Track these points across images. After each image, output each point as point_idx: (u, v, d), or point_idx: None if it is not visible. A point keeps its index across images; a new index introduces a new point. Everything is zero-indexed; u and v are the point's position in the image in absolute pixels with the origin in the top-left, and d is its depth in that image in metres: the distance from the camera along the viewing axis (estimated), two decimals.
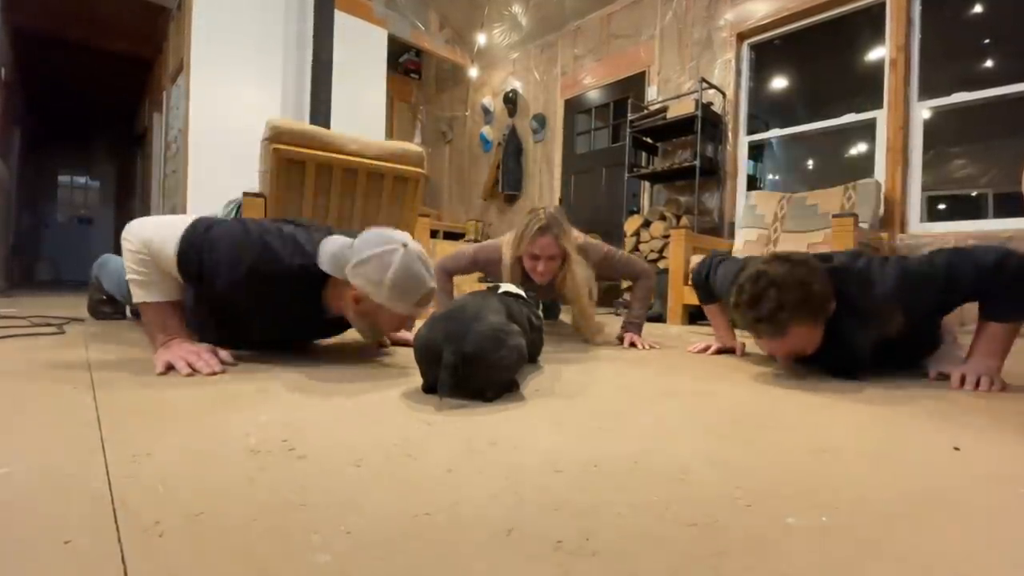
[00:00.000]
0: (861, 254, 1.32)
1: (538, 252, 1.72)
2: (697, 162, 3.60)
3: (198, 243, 1.09)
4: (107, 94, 6.75)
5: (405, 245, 1.11)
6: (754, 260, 1.31)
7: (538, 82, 5.37)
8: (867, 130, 3.29)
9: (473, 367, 0.87)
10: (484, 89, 5.97)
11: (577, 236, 1.84)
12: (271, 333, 1.32)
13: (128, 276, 1.12)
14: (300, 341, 1.47)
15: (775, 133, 3.77)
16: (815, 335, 1.18)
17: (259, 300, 1.15)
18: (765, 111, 3.99)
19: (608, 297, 4.19)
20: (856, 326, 1.20)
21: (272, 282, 1.13)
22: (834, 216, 2.37)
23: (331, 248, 1.13)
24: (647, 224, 3.79)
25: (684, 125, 3.75)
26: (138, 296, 1.12)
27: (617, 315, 3.64)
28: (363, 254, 1.08)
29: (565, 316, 3.10)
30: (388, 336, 1.56)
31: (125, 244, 1.10)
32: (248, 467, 0.55)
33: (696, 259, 2.94)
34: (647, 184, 4.37)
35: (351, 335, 1.75)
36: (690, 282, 1.80)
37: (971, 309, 1.24)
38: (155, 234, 1.09)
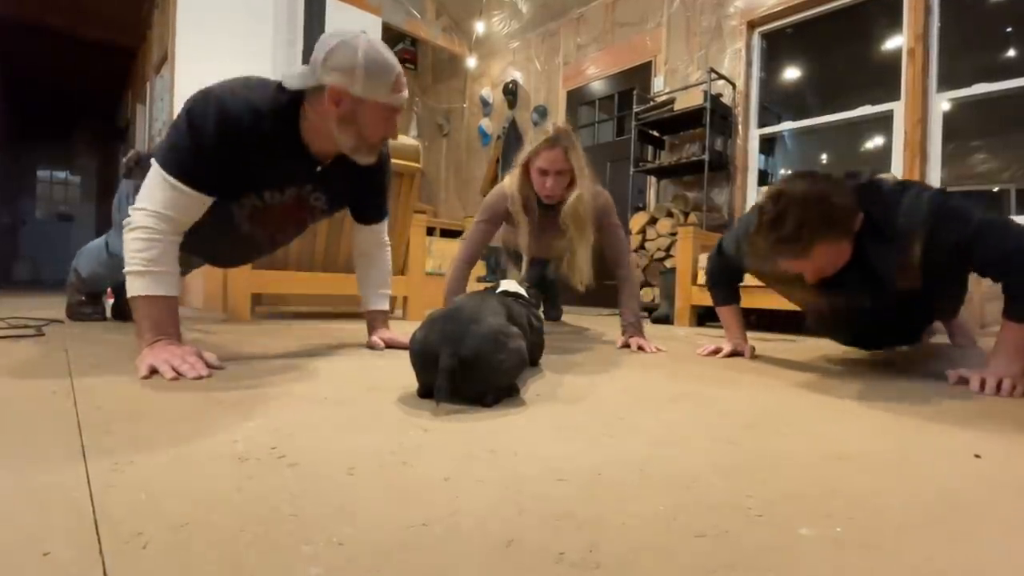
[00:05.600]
0: (904, 181, 1.30)
1: (546, 166, 1.71)
2: (706, 156, 3.61)
3: (176, 135, 1.15)
4: (88, 85, 6.76)
5: (363, 31, 1.18)
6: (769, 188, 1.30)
7: (539, 72, 5.38)
8: (883, 123, 3.29)
9: (471, 371, 0.87)
10: (483, 80, 5.97)
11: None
12: (264, 192, 1.32)
13: (127, 268, 1.12)
14: (301, 219, 1.48)
15: (787, 126, 3.78)
16: (841, 252, 1.17)
17: (243, 150, 1.18)
18: (777, 103, 3.99)
19: (612, 298, 4.19)
20: (881, 247, 1.18)
21: (248, 119, 1.16)
22: None
23: (295, 69, 1.21)
24: (653, 221, 3.79)
25: (692, 117, 3.76)
26: (134, 289, 1.12)
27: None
28: (327, 47, 1.14)
29: (568, 318, 3.10)
30: (383, 337, 1.57)
31: (128, 231, 1.13)
32: (235, 475, 0.55)
33: (705, 257, 2.95)
34: (653, 179, 4.37)
35: (346, 337, 1.75)
36: (704, 281, 1.78)
37: (991, 311, 1.24)
38: (144, 191, 1.14)
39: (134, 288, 1.12)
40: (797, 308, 2.36)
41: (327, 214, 1.50)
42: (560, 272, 2.04)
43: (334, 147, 1.26)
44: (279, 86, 1.21)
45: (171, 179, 1.14)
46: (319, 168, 1.31)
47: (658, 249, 3.68)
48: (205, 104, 1.15)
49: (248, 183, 1.27)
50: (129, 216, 1.14)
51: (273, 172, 1.28)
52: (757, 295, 1.80)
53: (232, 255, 1.61)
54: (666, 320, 3.16)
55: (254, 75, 1.27)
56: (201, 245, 1.35)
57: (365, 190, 1.49)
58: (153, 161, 1.16)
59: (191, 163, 1.15)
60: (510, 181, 1.85)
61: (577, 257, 1.75)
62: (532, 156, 1.74)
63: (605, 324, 2.87)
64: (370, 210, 1.56)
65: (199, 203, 1.19)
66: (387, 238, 1.63)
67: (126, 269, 1.12)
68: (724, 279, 1.71)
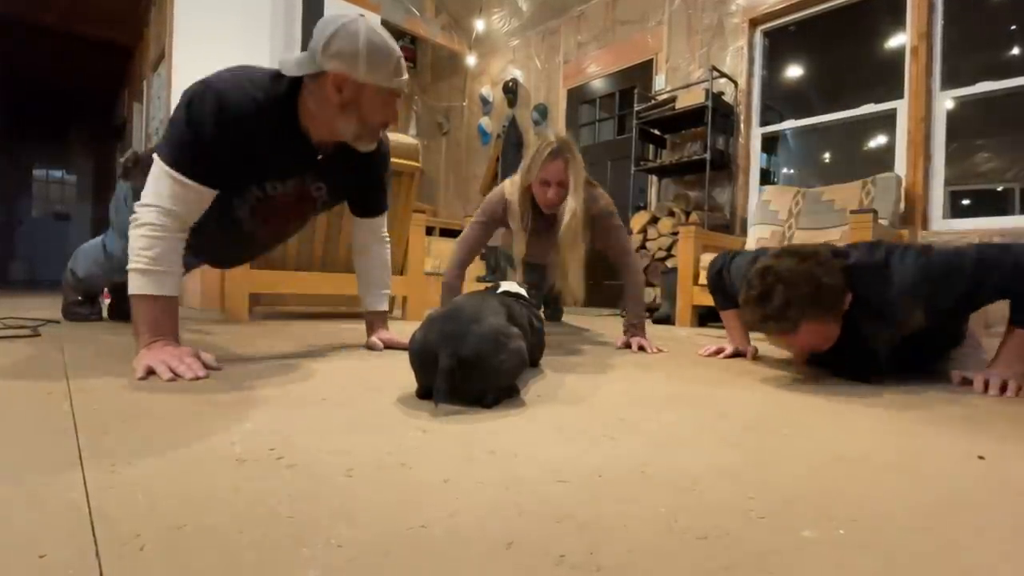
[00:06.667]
0: (880, 244, 1.31)
1: (549, 177, 1.74)
2: (707, 155, 3.61)
3: (176, 128, 1.15)
4: (85, 84, 6.76)
5: (362, 14, 1.18)
6: (766, 253, 1.31)
7: (539, 71, 5.38)
8: (887, 121, 3.29)
9: (471, 371, 0.87)
10: (482, 78, 5.97)
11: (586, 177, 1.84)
12: (267, 183, 1.33)
13: (131, 264, 1.12)
14: (303, 212, 1.48)
15: (789, 124, 3.77)
16: (829, 331, 1.18)
17: (244, 141, 1.18)
18: (779, 101, 3.99)
19: (612, 298, 4.19)
20: (874, 325, 1.20)
21: (248, 109, 1.16)
22: (852, 212, 2.37)
23: (292, 55, 1.19)
24: (654, 221, 3.79)
25: (694, 116, 3.76)
26: (136, 286, 1.12)
27: (621, 316, 3.64)
28: (326, 33, 1.13)
29: (568, 318, 3.10)
30: (382, 338, 1.57)
31: (133, 227, 1.13)
32: (233, 477, 0.55)
33: (708, 257, 2.95)
34: (655, 178, 4.37)
35: (345, 337, 1.75)
36: (706, 284, 1.79)
37: (995, 310, 1.24)
38: (149, 187, 1.15)
39: (136, 286, 1.12)
40: None
41: (328, 206, 1.51)
42: (555, 287, 2.04)
43: (334, 134, 1.27)
44: (276, 74, 1.22)
45: (174, 173, 1.14)
46: (320, 157, 1.32)
47: (659, 249, 3.68)
48: (203, 96, 1.15)
49: (250, 174, 1.27)
50: (134, 213, 1.15)
51: (274, 161, 1.28)
52: None
53: (234, 254, 1.61)
54: (667, 320, 3.16)
55: (250, 64, 1.27)
56: (204, 245, 1.36)
57: (365, 181, 1.50)
58: (155, 156, 1.17)
59: (193, 156, 1.15)
60: (510, 187, 1.86)
61: (569, 275, 1.76)
62: (533, 167, 1.74)
63: (605, 324, 2.87)
64: (370, 203, 1.56)
65: (203, 196, 1.19)
66: (386, 233, 1.63)
67: (129, 266, 1.13)
68: (722, 290, 1.71)
